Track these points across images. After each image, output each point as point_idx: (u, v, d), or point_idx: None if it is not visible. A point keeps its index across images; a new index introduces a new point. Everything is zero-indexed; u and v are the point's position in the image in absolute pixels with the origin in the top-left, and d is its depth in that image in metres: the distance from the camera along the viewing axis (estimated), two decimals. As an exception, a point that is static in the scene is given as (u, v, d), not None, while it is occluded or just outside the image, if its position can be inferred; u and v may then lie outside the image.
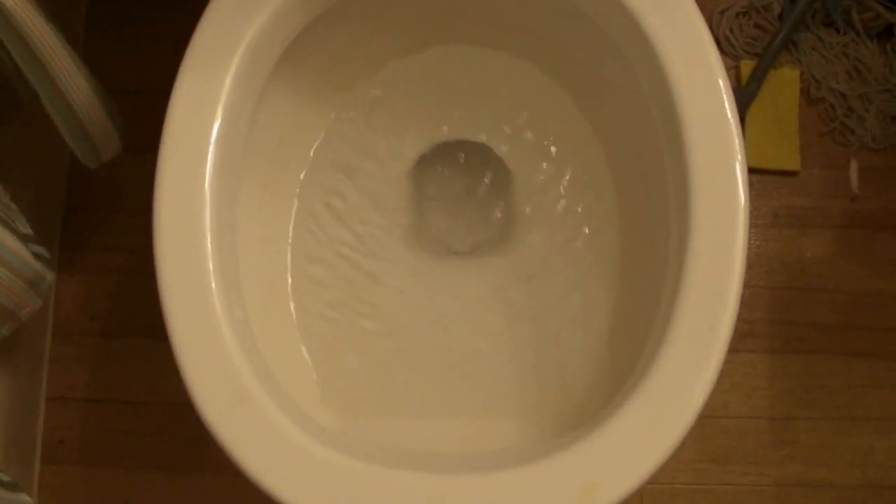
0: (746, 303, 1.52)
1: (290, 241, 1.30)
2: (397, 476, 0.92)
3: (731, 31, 1.63)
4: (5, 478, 1.16)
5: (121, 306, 1.54)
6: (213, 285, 0.96)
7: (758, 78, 1.58)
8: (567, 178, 1.32)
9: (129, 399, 1.51)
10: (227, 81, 1.02)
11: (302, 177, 1.32)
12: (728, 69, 1.58)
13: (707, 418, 1.48)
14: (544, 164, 1.33)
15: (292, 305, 1.27)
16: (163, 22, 1.63)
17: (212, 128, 1.00)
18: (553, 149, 1.34)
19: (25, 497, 1.18)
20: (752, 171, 1.55)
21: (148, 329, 1.51)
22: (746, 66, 1.61)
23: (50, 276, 1.20)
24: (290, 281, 1.28)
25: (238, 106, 1.04)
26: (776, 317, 1.54)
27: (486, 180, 1.36)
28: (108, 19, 1.64)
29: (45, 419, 1.51)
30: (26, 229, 1.19)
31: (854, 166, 1.59)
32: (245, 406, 0.92)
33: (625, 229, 1.28)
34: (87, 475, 1.49)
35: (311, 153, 1.33)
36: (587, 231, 1.30)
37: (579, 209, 1.31)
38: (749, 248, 0.99)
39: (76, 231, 1.57)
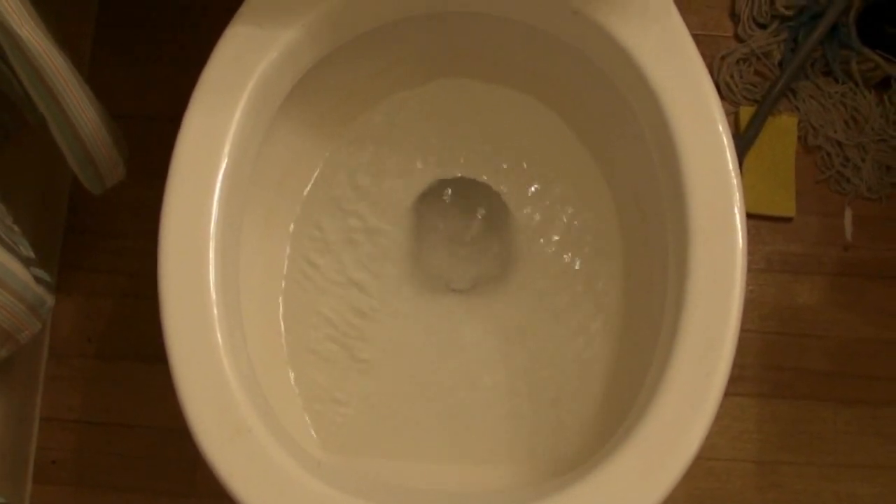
0: (737, 347, 1.52)
1: (285, 274, 1.30)
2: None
3: (732, 77, 1.65)
4: (-2, 498, 1.17)
5: (117, 329, 1.54)
6: (216, 316, 0.96)
7: (756, 124, 1.60)
8: (567, 217, 1.33)
9: (122, 422, 1.51)
10: (237, 116, 1.03)
11: (301, 210, 1.33)
12: (727, 115, 1.59)
13: (695, 459, 1.49)
14: (545, 203, 1.34)
15: (285, 341, 1.28)
16: (169, 47, 1.64)
17: (219, 162, 1.01)
18: (554, 188, 1.34)
19: (17, 518, 1.19)
20: (747, 216, 1.55)
21: (144, 353, 1.52)
22: (745, 113, 1.62)
23: (50, 300, 1.21)
24: (283, 315, 1.29)
25: (246, 141, 1.05)
26: (766, 361, 1.55)
27: (486, 218, 1.36)
28: (114, 43, 1.65)
29: (39, 439, 1.51)
30: (28, 252, 1.19)
31: (849, 215, 1.61)
32: (243, 438, 0.93)
33: (625, 272, 1.28)
34: (79, 496, 1.49)
35: (312, 186, 1.33)
36: (586, 273, 1.30)
37: (579, 250, 1.31)
38: (742, 293, 1.01)
39: (75, 253, 1.57)
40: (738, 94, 1.64)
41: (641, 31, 1.06)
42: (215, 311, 0.97)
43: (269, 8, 1.07)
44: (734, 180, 1.01)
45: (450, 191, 1.36)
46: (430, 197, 1.35)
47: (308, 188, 1.33)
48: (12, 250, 1.13)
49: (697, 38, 1.08)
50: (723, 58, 1.66)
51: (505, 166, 1.36)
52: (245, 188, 1.07)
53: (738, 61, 1.65)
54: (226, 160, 1.01)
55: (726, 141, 1.02)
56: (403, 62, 1.33)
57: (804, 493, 1.51)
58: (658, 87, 1.04)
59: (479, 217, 1.36)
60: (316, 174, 1.34)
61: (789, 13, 1.65)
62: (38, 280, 1.17)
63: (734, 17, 1.68)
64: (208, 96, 1.04)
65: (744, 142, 1.59)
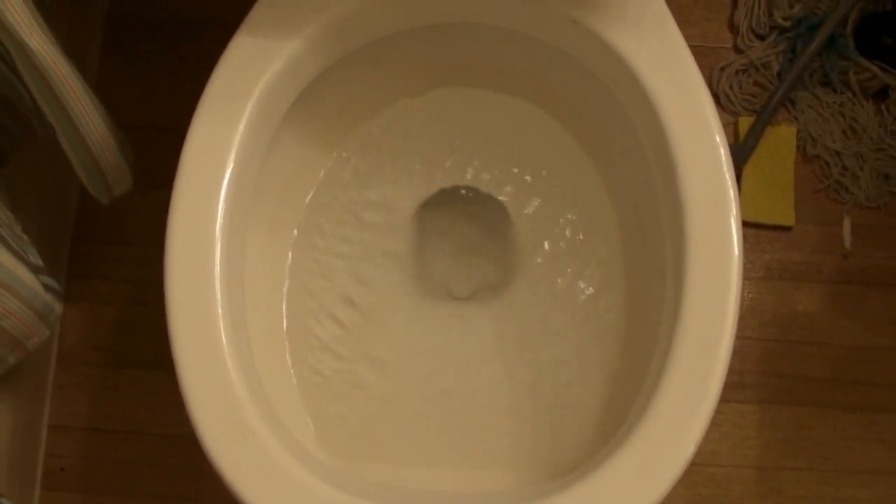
0: (738, 354, 1.53)
1: (288, 280, 1.31)
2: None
3: (731, 87, 1.66)
4: (6, 503, 1.18)
5: (124, 337, 1.56)
6: (221, 321, 0.97)
7: (755, 134, 1.61)
8: (568, 225, 1.33)
9: (129, 429, 1.52)
10: (241, 126, 1.04)
11: (304, 217, 1.34)
12: (726, 125, 1.61)
13: (695, 466, 1.49)
14: (546, 211, 1.34)
15: (288, 346, 1.28)
16: (174, 59, 1.66)
17: (224, 171, 1.02)
18: (555, 196, 1.34)
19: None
20: (747, 225, 1.57)
21: (150, 360, 1.53)
22: (744, 123, 1.63)
23: (58, 308, 1.22)
24: (286, 320, 1.30)
25: (250, 150, 1.06)
26: (766, 368, 1.56)
27: (487, 226, 1.37)
28: (122, 54, 1.67)
29: (47, 447, 1.52)
30: (37, 260, 1.20)
31: (847, 223, 1.62)
32: (248, 441, 0.94)
33: (625, 279, 1.29)
34: (87, 503, 1.50)
35: (315, 194, 1.34)
36: (587, 280, 1.30)
37: (580, 258, 1.31)
38: (742, 301, 1.00)
39: (82, 261, 1.59)
40: (738, 104, 1.66)
41: (638, 41, 1.07)
42: (220, 316, 0.97)
43: (272, 20, 1.08)
44: (730, 188, 1.01)
45: (451, 199, 1.36)
46: (431, 205, 1.35)
47: (311, 196, 1.34)
48: (21, 258, 1.14)
49: (697, 50, 1.09)
50: (722, 69, 1.67)
51: (506, 174, 1.36)
52: (249, 196, 1.08)
53: (737, 72, 1.67)
54: (230, 169, 1.02)
55: (722, 149, 1.02)
56: (405, 72, 1.34)
57: (804, 498, 1.52)
58: (655, 96, 1.05)
59: (481, 225, 1.37)
60: (319, 182, 1.35)
61: (788, 24, 1.66)
62: (46, 288, 1.18)
63: (733, 28, 1.70)
64: (213, 107, 1.05)
65: (743, 151, 1.60)
